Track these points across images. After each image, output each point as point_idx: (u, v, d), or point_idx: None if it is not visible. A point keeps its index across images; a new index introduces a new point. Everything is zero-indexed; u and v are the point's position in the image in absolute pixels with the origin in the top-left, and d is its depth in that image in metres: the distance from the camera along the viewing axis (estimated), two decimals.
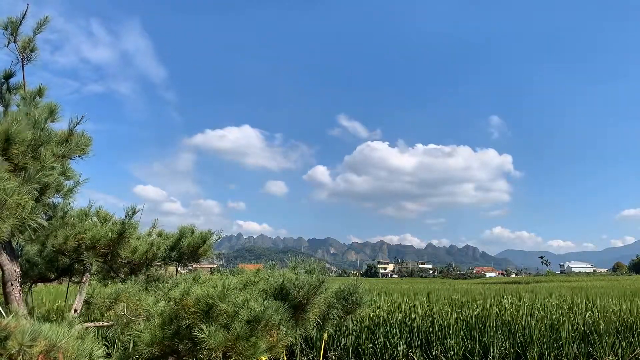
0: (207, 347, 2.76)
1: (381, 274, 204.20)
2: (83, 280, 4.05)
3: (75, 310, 3.79)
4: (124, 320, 3.69)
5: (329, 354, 9.71)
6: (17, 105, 3.82)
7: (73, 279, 4.69)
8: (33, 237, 3.79)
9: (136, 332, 3.12)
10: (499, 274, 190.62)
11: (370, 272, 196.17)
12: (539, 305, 9.90)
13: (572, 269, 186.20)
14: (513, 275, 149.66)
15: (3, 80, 3.94)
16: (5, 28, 3.68)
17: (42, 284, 5.58)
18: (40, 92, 3.91)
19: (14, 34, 3.70)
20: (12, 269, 3.36)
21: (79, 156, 3.64)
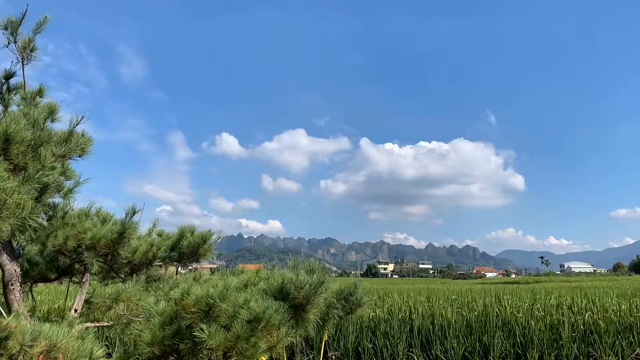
0: (207, 347, 2.76)
1: (381, 274, 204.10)
2: (83, 280, 4.05)
3: (76, 310, 3.79)
4: (125, 320, 3.69)
5: (329, 354, 9.70)
6: (17, 105, 3.81)
7: (73, 279, 4.70)
8: (33, 237, 3.79)
9: (137, 332, 3.12)
10: (499, 274, 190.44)
11: (371, 272, 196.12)
12: (539, 306, 9.89)
13: (572, 269, 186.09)
14: (513, 276, 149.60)
15: (3, 81, 3.94)
16: (5, 28, 3.68)
17: (43, 284, 5.58)
18: (40, 92, 3.91)
19: (14, 34, 3.70)
20: (13, 269, 3.36)
21: (79, 156, 3.64)
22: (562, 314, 9.22)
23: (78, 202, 4.23)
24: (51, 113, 3.53)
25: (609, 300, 10.50)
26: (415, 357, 9.16)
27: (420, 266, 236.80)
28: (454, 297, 12.50)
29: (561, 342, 8.64)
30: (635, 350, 8.54)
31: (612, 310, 9.24)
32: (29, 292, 4.80)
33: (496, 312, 9.64)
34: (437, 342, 9.20)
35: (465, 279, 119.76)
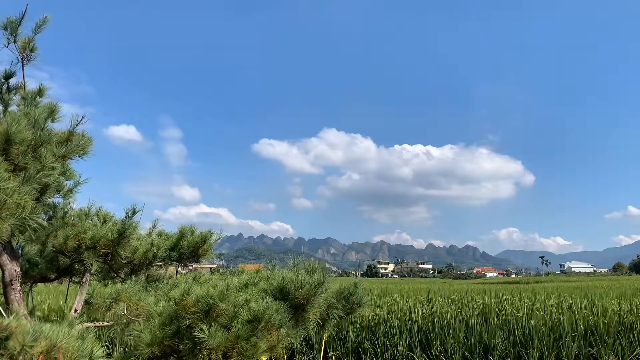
0: (207, 347, 2.76)
1: (381, 274, 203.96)
2: (83, 280, 4.05)
3: (76, 310, 3.79)
4: (125, 320, 3.68)
5: (330, 354, 9.70)
6: (18, 105, 3.81)
7: (73, 279, 4.70)
8: (33, 237, 3.79)
9: (136, 332, 3.12)
10: (499, 274, 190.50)
11: (371, 272, 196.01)
12: (539, 305, 9.90)
13: (573, 269, 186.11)
14: (513, 276, 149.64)
15: (3, 80, 3.94)
16: (5, 28, 3.67)
17: (43, 284, 5.58)
18: (40, 92, 3.91)
19: (14, 34, 3.70)
20: (13, 269, 3.36)
21: (80, 156, 3.64)
22: (562, 313, 9.22)
23: (78, 202, 4.24)
24: (51, 113, 3.53)
25: (609, 300, 10.50)
26: (415, 357, 9.16)
27: (420, 266, 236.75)
28: (454, 297, 12.50)
29: (561, 342, 8.64)
30: (635, 350, 8.54)
31: (613, 310, 9.25)
32: (29, 292, 4.80)
33: (496, 312, 9.65)
34: (437, 342, 9.20)
35: (465, 279, 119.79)
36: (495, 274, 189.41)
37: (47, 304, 10.79)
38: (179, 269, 5.09)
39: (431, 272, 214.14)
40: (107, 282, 4.71)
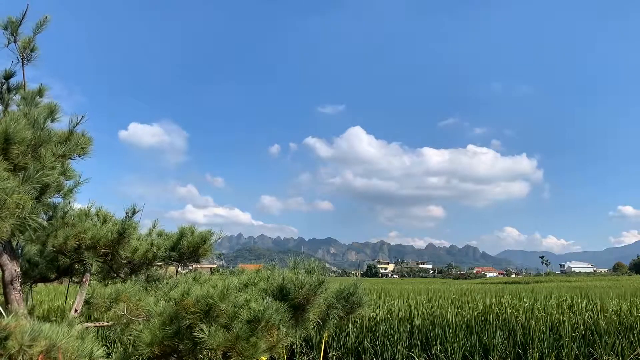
0: (207, 347, 2.76)
1: (381, 274, 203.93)
2: (83, 280, 4.05)
3: (76, 310, 3.79)
4: (125, 320, 3.69)
5: (330, 354, 9.70)
6: (17, 105, 3.82)
7: (73, 279, 4.70)
8: (33, 237, 3.79)
9: (136, 332, 3.12)
10: (499, 274, 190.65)
11: (371, 272, 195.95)
12: (539, 306, 9.89)
13: (573, 269, 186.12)
14: (513, 276, 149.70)
15: (3, 80, 3.94)
16: (5, 28, 3.68)
17: (43, 283, 5.58)
18: (40, 92, 3.91)
19: (14, 34, 3.70)
20: (13, 269, 3.36)
21: (79, 156, 3.64)
22: (562, 314, 9.21)
23: (79, 202, 4.24)
24: (51, 113, 3.53)
25: (609, 300, 10.49)
26: (415, 357, 9.16)
27: (420, 266, 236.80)
28: (454, 297, 12.50)
29: (561, 342, 8.64)
30: (635, 350, 8.53)
31: (613, 310, 9.24)
32: (29, 292, 4.80)
33: (496, 312, 9.64)
34: (437, 342, 9.20)
35: (465, 279, 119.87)
36: (495, 274, 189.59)
37: (46, 304, 10.79)
38: (179, 269, 5.09)
39: (431, 272, 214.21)
40: (107, 282, 4.70)
